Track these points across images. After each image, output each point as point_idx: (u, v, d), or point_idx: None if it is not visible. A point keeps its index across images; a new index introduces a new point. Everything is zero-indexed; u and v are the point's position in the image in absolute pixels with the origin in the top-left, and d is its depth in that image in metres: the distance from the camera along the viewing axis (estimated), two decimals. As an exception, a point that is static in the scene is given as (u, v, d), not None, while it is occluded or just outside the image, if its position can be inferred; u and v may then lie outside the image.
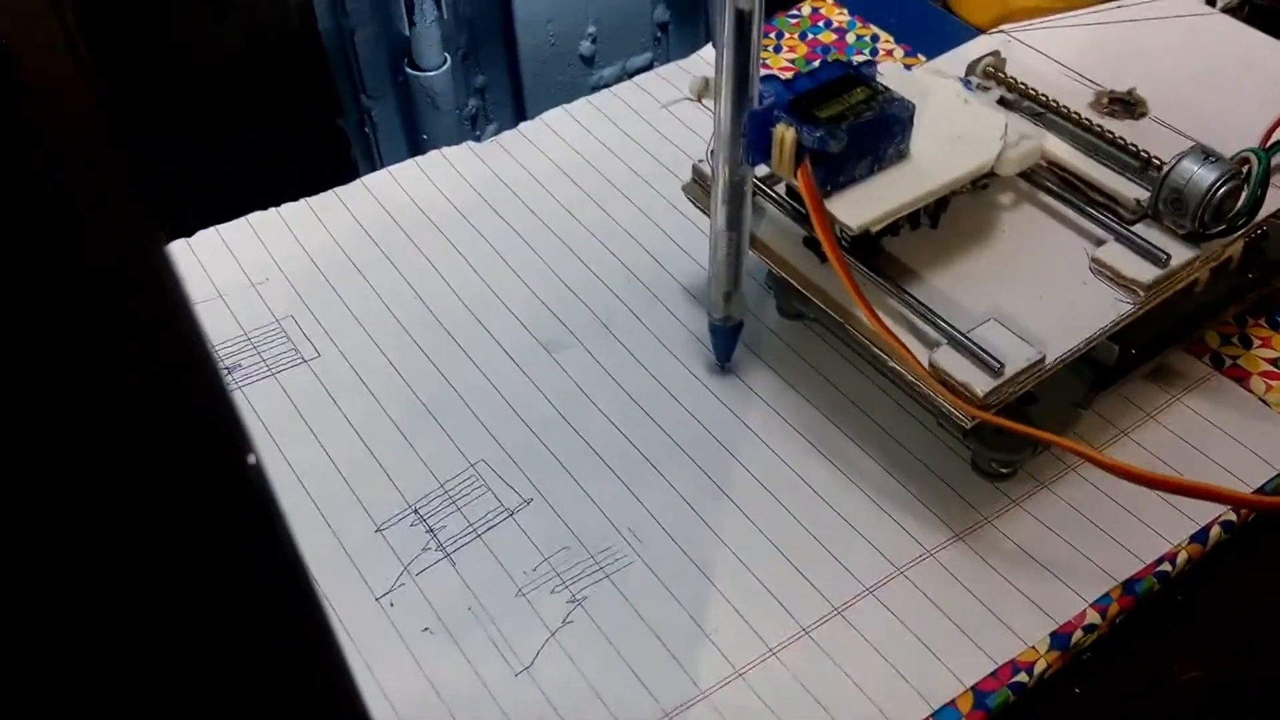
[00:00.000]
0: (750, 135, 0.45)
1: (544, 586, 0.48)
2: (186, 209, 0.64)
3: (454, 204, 0.65)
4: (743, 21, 0.41)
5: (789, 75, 0.46)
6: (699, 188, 0.54)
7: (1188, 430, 0.51)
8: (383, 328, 0.58)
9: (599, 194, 0.65)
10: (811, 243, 0.50)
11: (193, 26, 0.69)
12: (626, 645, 0.45)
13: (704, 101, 0.54)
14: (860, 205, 0.45)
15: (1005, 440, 0.47)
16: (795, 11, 0.75)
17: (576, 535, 0.49)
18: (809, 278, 0.49)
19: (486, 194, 0.65)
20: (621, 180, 0.65)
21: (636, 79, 0.73)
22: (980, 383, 0.43)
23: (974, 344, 0.44)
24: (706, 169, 0.53)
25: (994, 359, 0.43)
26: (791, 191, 0.51)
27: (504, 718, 0.44)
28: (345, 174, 0.67)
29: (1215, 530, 0.47)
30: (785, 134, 0.44)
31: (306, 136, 0.74)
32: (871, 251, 0.48)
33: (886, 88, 0.46)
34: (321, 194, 0.65)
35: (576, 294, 0.59)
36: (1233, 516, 0.47)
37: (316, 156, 0.73)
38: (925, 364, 0.44)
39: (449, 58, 0.74)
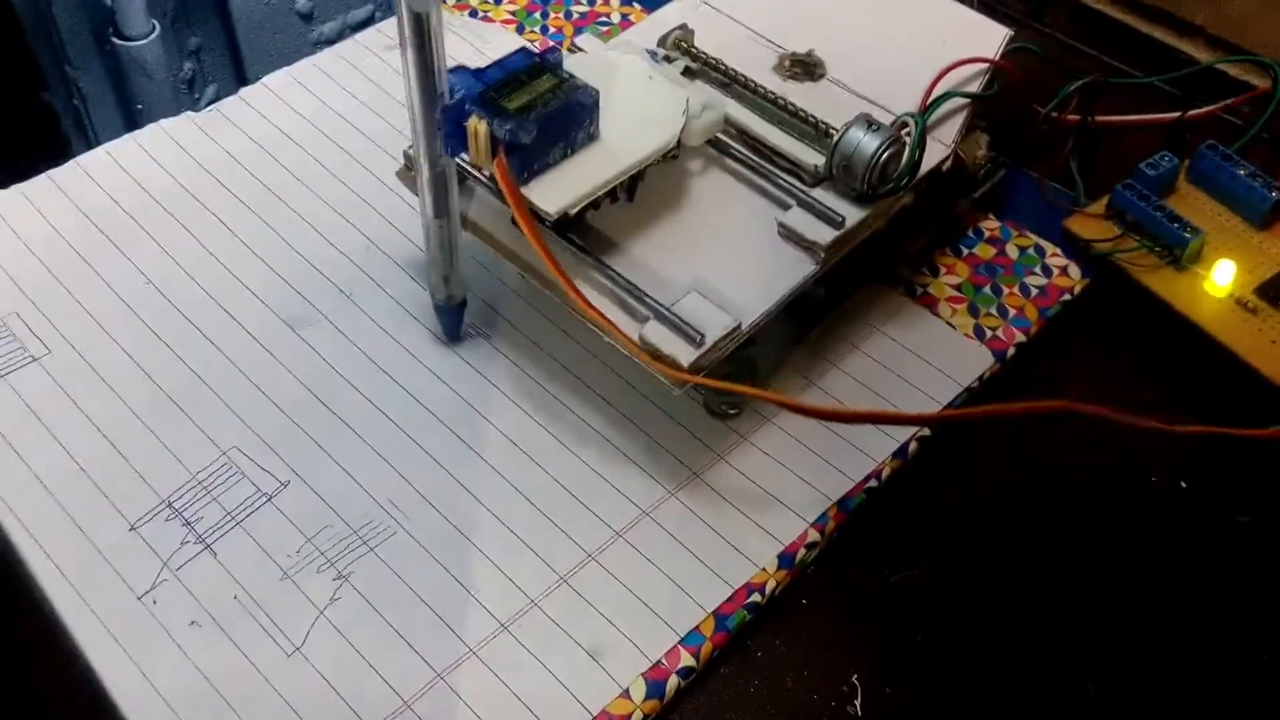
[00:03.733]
0: (445, 129, 0.47)
1: (309, 567, 0.49)
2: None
3: (179, 181, 0.63)
4: (420, 23, 0.43)
5: (479, 65, 0.48)
6: (409, 173, 0.55)
7: (888, 357, 0.56)
8: (116, 319, 0.57)
9: (330, 161, 0.65)
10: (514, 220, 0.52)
11: None
12: (395, 614, 0.48)
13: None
14: (556, 190, 0.47)
15: (728, 386, 0.51)
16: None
17: (337, 512, 0.51)
18: (523, 257, 0.51)
19: (212, 168, 0.64)
20: (353, 146, 0.65)
21: (358, 35, 0.73)
22: (685, 353, 0.47)
23: (677, 318, 0.47)
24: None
25: (695, 331, 0.47)
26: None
27: (281, 701, 0.45)
28: (56, 149, 0.64)
29: (913, 446, 0.53)
30: (478, 127, 0.46)
31: (9, 112, 0.70)
32: (575, 228, 0.51)
33: (572, 75, 0.48)
34: (35, 179, 0.62)
35: (317, 267, 0.60)
36: (927, 432, 0.54)
37: (22, 133, 0.70)
38: (635, 338, 0.47)
39: (156, 24, 0.71)
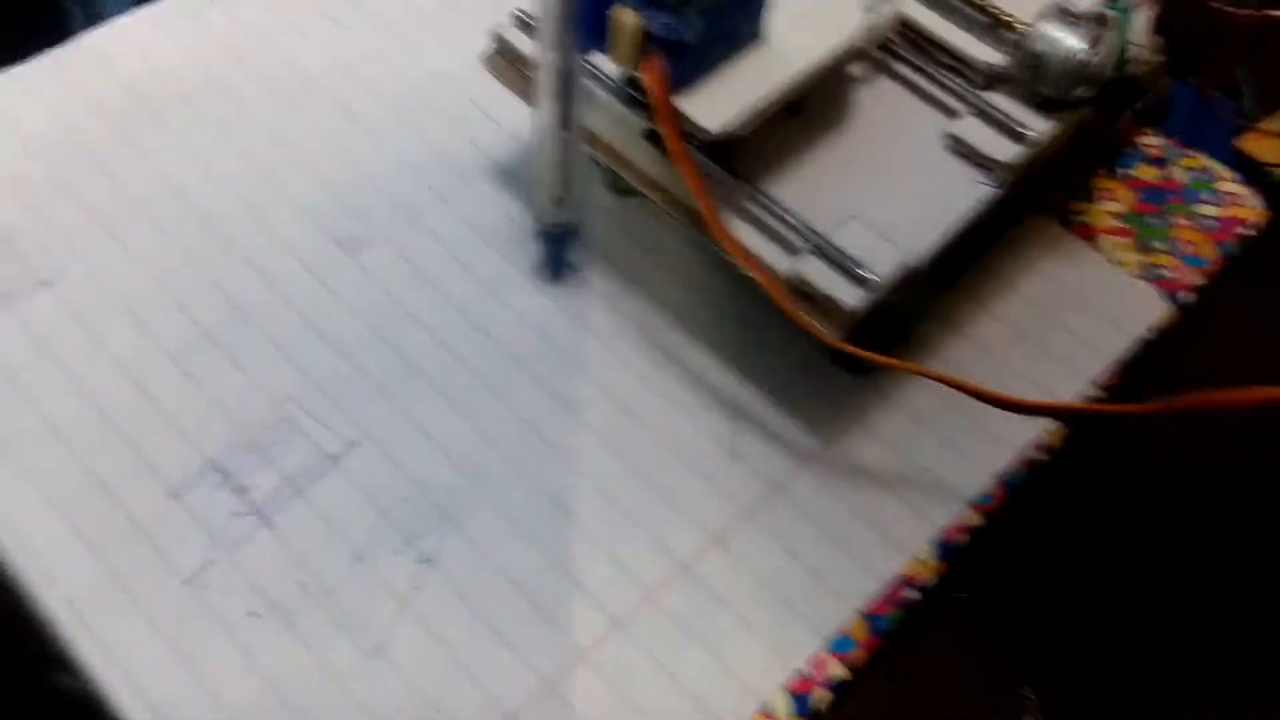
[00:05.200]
0: (583, 15, 0.38)
1: (384, 547, 0.42)
2: None
3: (202, 64, 0.54)
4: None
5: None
6: (504, 63, 0.46)
7: (1045, 301, 0.49)
8: (137, 235, 0.48)
9: (386, 46, 0.55)
10: (652, 135, 0.43)
11: None
12: (488, 607, 0.41)
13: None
14: (718, 103, 0.39)
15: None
16: None
17: (414, 481, 0.43)
18: (653, 177, 0.43)
19: (245, 51, 0.54)
20: (412, 29, 0.56)
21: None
22: (848, 294, 0.39)
23: (837, 250, 0.40)
24: (512, 39, 0.45)
25: (859, 266, 0.39)
26: (630, 78, 0.44)
27: (360, 710, 0.38)
28: (58, 28, 0.54)
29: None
30: (626, 18, 0.37)
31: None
32: (724, 148, 0.42)
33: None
34: (32, 60, 0.53)
35: (372, 177, 0.51)
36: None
37: (15, 7, 0.59)
38: (783, 276, 0.40)
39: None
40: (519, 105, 0.45)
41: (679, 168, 0.39)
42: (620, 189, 0.49)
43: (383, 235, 0.49)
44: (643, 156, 0.43)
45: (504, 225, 0.49)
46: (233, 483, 0.43)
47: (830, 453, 0.44)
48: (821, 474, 0.44)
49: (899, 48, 0.45)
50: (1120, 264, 0.50)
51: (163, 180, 0.50)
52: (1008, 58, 0.43)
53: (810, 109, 0.44)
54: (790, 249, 0.41)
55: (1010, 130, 0.43)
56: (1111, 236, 0.51)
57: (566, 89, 0.40)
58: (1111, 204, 0.52)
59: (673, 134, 0.39)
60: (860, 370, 0.45)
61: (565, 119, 0.41)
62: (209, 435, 0.43)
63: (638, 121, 0.42)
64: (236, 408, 0.44)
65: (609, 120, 0.44)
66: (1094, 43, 0.42)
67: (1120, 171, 0.53)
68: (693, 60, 0.38)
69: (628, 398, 0.45)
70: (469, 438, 0.44)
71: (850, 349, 0.40)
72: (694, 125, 0.39)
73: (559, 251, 0.47)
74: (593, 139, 0.44)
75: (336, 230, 0.49)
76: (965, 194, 0.42)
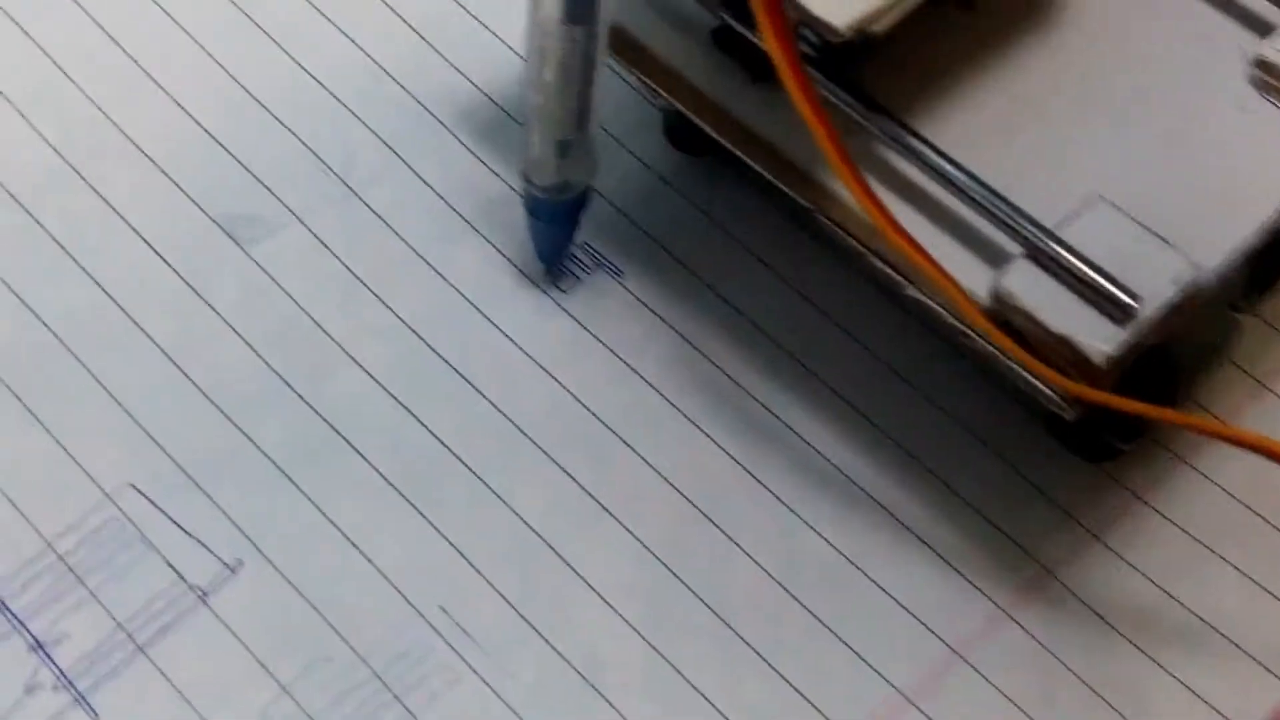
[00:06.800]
0: None
1: (287, 754, 0.24)
2: None
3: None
4: None
5: None
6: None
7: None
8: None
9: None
10: (729, 39, 0.27)
11: None
12: None
13: None
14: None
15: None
16: None
17: (337, 629, 0.26)
18: (733, 112, 0.27)
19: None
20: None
21: None
22: (1099, 332, 0.23)
23: (1074, 254, 0.24)
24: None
25: (1115, 284, 0.24)
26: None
27: None
28: None
29: None
30: None
31: None
32: (856, 65, 0.26)
33: None
34: None
35: (280, 120, 0.33)
36: None
37: None
38: (983, 299, 0.24)
39: None
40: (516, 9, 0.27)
41: (792, 92, 0.22)
42: (681, 139, 0.32)
43: (295, 212, 0.31)
44: (713, 78, 0.27)
45: (487, 193, 0.31)
46: (27, 632, 0.25)
47: (1045, 589, 0.27)
48: (1035, 625, 0.26)
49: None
50: None
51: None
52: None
53: (994, 16, 0.27)
54: (988, 251, 0.24)
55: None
56: None
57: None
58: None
59: (781, 32, 0.22)
60: (1103, 454, 0.28)
61: (576, 6, 0.24)
62: (-10, 551, 0.26)
63: (702, 18, 0.27)
64: (38, 504, 0.27)
65: (654, 19, 0.27)
66: None
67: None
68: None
69: (690, 484, 0.28)
70: (432, 552, 0.27)
71: (1113, 402, 0.23)
72: (810, 16, 0.23)
73: (561, 229, 0.30)
74: (636, 50, 0.27)
75: (221, 204, 0.31)
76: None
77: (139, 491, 0.27)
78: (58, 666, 0.25)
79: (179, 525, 0.27)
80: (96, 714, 0.25)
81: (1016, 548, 0.27)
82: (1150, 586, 0.27)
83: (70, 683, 0.25)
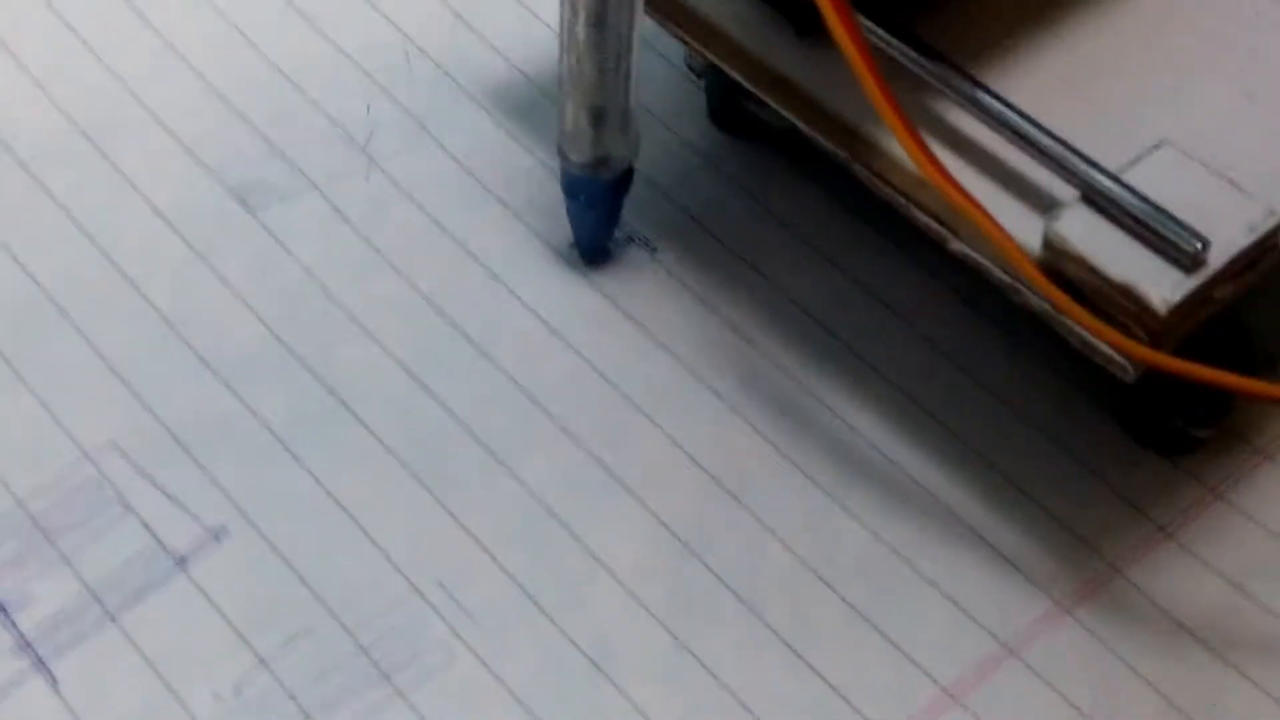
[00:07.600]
0: None
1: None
2: None
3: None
4: None
5: None
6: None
7: None
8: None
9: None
10: None
11: None
12: None
13: None
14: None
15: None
16: None
17: (325, 602, 0.24)
18: (774, 66, 0.25)
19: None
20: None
21: None
22: (1163, 280, 0.21)
23: (1137, 197, 0.22)
24: None
25: (1181, 231, 0.22)
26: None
27: None
28: None
29: None
30: None
31: None
32: (909, 13, 0.25)
33: None
34: None
35: (300, 87, 0.31)
36: None
37: None
38: (1034, 250, 0.23)
39: None
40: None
41: (835, 32, 0.21)
42: (730, 123, 0.30)
43: (310, 180, 0.30)
44: (759, 36, 0.26)
45: (518, 166, 0.30)
46: (-10, 600, 0.23)
47: (1110, 590, 0.24)
48: (1099, 629, 0.24)
49: None
50: None
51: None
52: None
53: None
54: (1040, 199, 0.23)
55: None
56: None
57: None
58: None
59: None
60: (1178, 447, 0.25)
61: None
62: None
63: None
64: (13, 462, 0.25)
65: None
66: None
67: None
68: None
69: (717, 463, 0.25)
70: (433, 527, 0.25)
71: (1160, 360, 0.21)
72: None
73: (602, 214, 0.28)
74: (675, 7, 0.26)
75: (233, 171, 0.30)
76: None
77: (122, 453, 0.25)
78: (19, 629, 0.23)
79: (161, 490, 0.25)
80: (56, 680, 0.23)
81: (1079, 542, 0.25)
82: (1226, 586, 0.24)
83: (30, 645, 0.23)
